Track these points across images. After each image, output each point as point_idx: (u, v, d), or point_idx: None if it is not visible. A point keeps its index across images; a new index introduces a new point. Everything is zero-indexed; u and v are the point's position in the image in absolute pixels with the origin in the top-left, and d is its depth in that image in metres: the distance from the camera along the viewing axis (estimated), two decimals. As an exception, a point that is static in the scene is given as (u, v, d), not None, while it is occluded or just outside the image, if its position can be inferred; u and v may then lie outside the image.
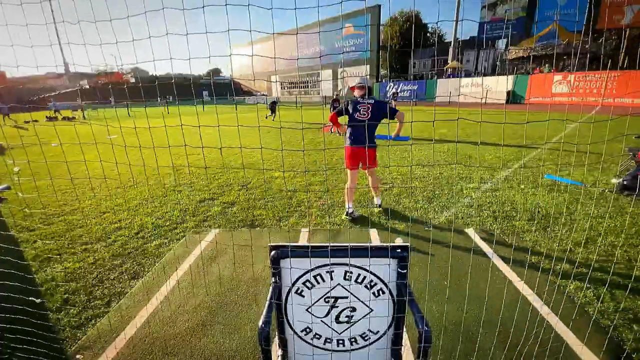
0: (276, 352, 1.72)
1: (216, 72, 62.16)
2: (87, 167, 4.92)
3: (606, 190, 4.96)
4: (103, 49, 1.79)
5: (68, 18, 1.71)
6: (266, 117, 14.79)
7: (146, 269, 3.23)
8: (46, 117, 22.60)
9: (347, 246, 1.51)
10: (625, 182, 4.77)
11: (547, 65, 25.95)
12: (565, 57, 25.82)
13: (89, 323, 2.51)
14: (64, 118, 23.22)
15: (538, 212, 4.28)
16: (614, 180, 5.29)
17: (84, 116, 24.55)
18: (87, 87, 44.94)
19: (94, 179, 6.46)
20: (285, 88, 47.15)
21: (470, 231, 3.84)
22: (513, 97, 24.04)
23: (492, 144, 8.85)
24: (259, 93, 50.32)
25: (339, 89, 36.06)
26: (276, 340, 1.72)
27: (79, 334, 2.40)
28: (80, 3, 1.80)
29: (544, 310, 2.49)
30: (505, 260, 3.20)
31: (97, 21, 1.69)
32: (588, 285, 2.76)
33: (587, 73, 20.94)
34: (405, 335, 2.06)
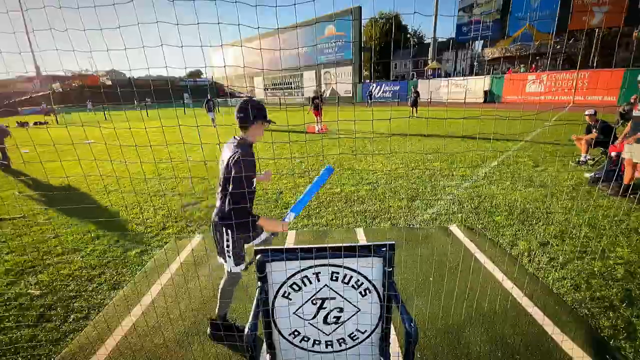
0: (264, 357, 1.69)
1: (196, 74, 60.80)
2: (65, 172, 4.72)
3: (583, 185, 5.19)
4: (77, 50, 1.72)
5: (40, 18, 1.63)
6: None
7: (127, 278, 3.13)
8: (17, 122, 21.56)
9: (333, 247, 1.50)
10: (597, 176, 5.04)
11: (522, 65, 26.93)
12: (538, 58, 26.87)
13: (67, 337, 2.40)
14: (35, 123, 22.22)
15: (516, 207, 4.42)
16: (587, 175, 5.56)
17: (57, 120, 23.55)
18: (60, 90, 43.12)
19: (71, 186, 6.21)
20: (269, 89, 46.84)
21: (453, 227, 3.93)
22: (490, 96, 24.81)
23: (471, 137, 9.10)
24: (242, 94, 49.77)
25: (322, 90, 36.11)
26: (264, 346, 1.69)
27: (57, 350, 2.29)
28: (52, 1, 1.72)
29: (525, 302, 2.57)
30: (487, 254, 3.29)
31: (80, 28, 1.62)
32: (565, 276, 2.87)
33: (559, 72, 21.86)
34: (392, 333, 2.08)
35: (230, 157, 1.95)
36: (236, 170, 1.90)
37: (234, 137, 2.08)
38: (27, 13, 1.71)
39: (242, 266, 2.21)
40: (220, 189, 2.07)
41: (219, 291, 2.26)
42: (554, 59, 25.59)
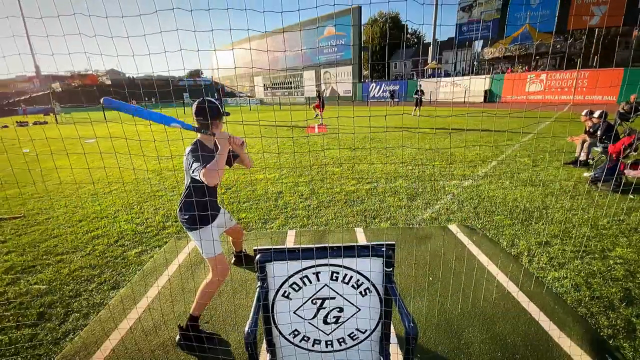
0: (264, 356, 1.69)
1: (197, 73, 60.69)
2: (58, 174, 4.71)
3: (582, 184, 5.19)
4: (76, 49, 1.72)
5: (38, 16, 1.62)
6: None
7: (127, 278, 3.12)
8: (17, 122, 21.56)
9: (333, 247, 1.51)
10: (596, 175, 5.03)
11: (520, 65, 26.94)
12: (537, 57, 26.86)
13: (67, 337, 2.40)
14: (34, 123, 22.21)
15: (516, 206, 4.42)
16: (586, 174, 5.56)
17: (56, 120, 23.52)
18: (60, 90, 43.05)
19: (70, 184, 6.20)
20: (269, 89, 46.81)
21: (453, 227, 3.93)
22: (490, 96, 24.82)
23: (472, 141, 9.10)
24: (242, 94, 49.75)
25: (322, 89, 36.21)
26: (264, 345, 1.69)
27: (56, 350, 2.29)
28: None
29: (525, 301, 2.57)
30: (487, 253, 3.29)
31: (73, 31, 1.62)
32: (565, 275, 2.87)
33: (559, 72, 21.87)
34: (392, 332, 2.08)
35: None
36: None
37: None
38: (26, 13, 1.71)
39: None
40: None
41: None
42: (554, 59, 25.61)
